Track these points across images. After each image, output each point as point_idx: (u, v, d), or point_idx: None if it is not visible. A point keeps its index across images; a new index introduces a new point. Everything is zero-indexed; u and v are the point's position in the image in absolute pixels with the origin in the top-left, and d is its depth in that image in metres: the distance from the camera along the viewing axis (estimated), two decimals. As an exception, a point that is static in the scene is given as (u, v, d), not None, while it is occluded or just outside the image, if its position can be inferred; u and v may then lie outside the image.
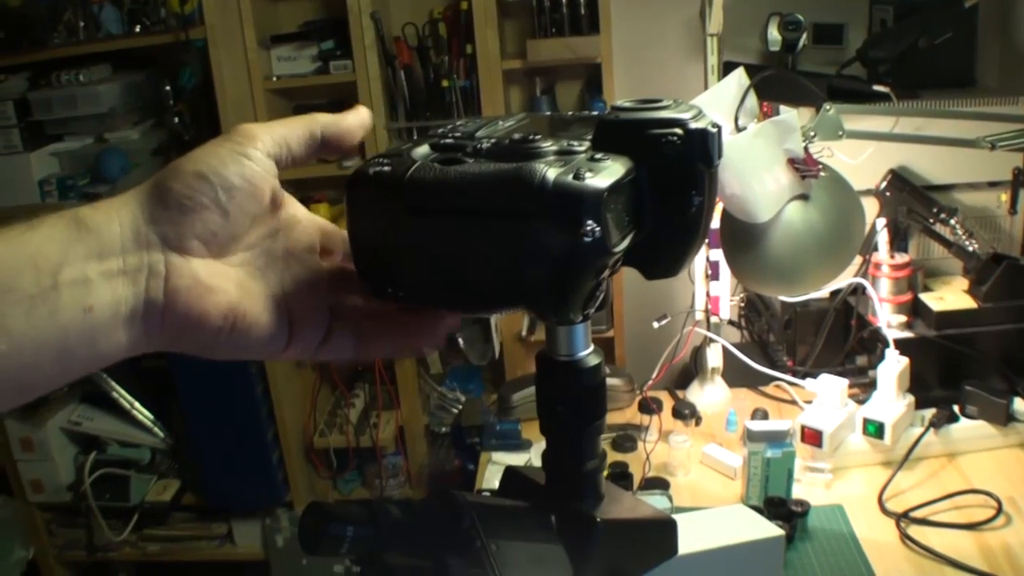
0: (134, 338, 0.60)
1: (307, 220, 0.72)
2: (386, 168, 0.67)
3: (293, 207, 0.71)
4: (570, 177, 0.61)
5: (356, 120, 0.74)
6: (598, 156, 0.65)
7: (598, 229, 0.61)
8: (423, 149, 0.71)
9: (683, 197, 0.68)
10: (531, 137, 0.68)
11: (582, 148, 0.67)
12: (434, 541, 0.72)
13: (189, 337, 0.62)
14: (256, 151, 0.64)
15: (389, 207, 0.67)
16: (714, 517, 1.08)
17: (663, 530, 0.86)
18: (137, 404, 3.13)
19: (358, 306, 0.73)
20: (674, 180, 0.68)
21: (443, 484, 3.28)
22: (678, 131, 0.67)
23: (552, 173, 0.62)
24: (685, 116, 0.68)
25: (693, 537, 0.92)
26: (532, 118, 0.80)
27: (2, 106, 2.87)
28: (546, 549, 0.77)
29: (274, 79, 2.95)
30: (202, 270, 0.61)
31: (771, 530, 1.05)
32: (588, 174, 0.62)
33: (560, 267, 0.62)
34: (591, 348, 0.78)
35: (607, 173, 0.63)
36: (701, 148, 0.67)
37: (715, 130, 0.68)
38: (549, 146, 0.67)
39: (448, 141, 0.72)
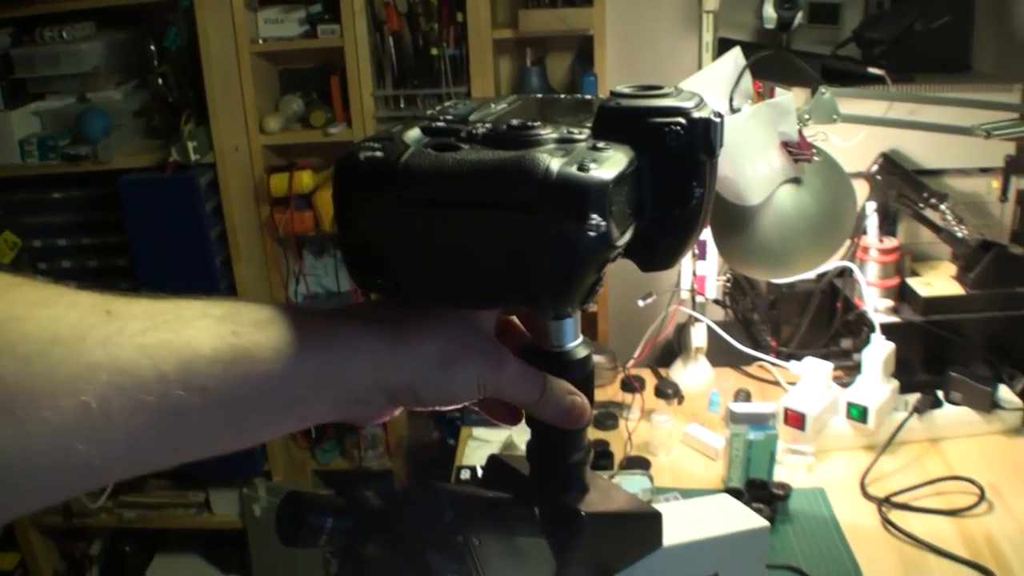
0: None
1: None
2: (377, 153, 0.65)
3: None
4: (574, 168, 0.59)
5: None
6: (600, 145, 0.63)
7: (603, 223, 0.59)
8: (414, 133, 0.68)
9: (684, 188, 0.66)
10: (529, 123, 0.65)
11: (582, 136, 0.65)
12: (415, 535, 0.71)
13: None
14: None
15: (381, 195, 0.64)
16: (698, 507, 1.06)
17: (648, 523, 0.85)
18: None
19: None
20: (675, 171, 0.66)
21: (422, 457, 3.26)
22: (681, 120, 0.65)
23: (556, 164, 0.59)
24: (688, 105, 0.66)
25: (677, 528, 0.90)
26: (524, 100, 0.78)
27: (-16, 63, 2.83)
28: (529, 543, 0.76)
29: (260, 42, 2.91)
30: None
31: (756, 521, 1.03)
32: (592, 165, 0.59)
33: (563, 261, 0.60)
34: (580, 339, 0.76)
35: (611, 164, 0.61)
36: (704, 138, 0.65)
37: (718, 120, 0.66)
38: (548, 133, 0.65)
39: (440, 124, 0.69)
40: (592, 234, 0.58)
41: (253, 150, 2.94)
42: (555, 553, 0.75)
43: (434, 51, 2.86)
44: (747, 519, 1.04)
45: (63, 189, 2.98)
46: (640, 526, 0.84)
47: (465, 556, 0.69)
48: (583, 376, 0.76)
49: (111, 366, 0.52)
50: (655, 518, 0.85)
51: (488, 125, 0.67)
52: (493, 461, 0.85)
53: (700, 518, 1.02)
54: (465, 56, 2.84)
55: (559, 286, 0.61)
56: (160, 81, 2.88)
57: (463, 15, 2.79)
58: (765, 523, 1.03)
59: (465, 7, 2.76)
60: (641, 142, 0.65)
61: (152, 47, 2.87)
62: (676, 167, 0.66)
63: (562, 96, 0.79)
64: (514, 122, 0.66)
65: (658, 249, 0.69)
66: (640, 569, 0.85)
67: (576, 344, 0.76)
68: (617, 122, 0.66)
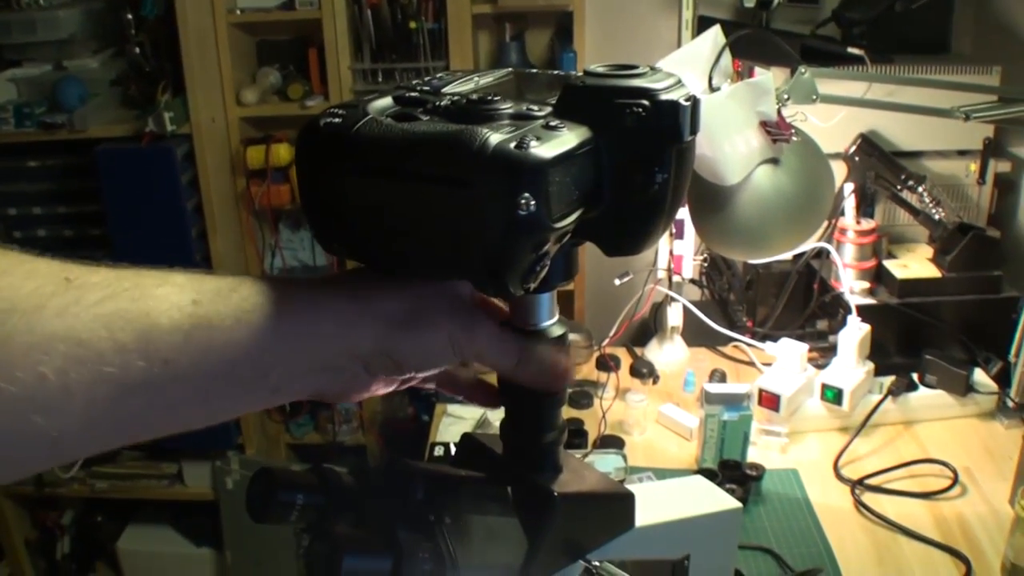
0: None
1: None
2: (336, 120, 0.64)
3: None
4: (512, 145, 0.58)
5: None
6: (554, 123, 0.62)
7: (534, 203, 0.57)
8: (384, 102, 0.68)
9: (646, 173, 0.65)
10: (490, 97, 0.65)
11: (541, 113, 0.64)
12: (386, 513, 0.70)
13: None
14: None
15: (333, 161, 0.64)
16: (672, 488, 1.07)
17: (621, 503, 0.85)
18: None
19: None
20: (637, 154, 0.64)
21: (395, 432, 3.26)
22: (644, 102, 0.63)
23: (495, 139, 0.58)
24: (656, 86, 0.64)
25: (650, 509, 0.90)
26: (514, 74, 0.77)
27: (-41, 29, 2.80)
28: (501, 523, 0.75)
29: (238, 12, 2.89)
30: None
31: (729, 503, 1.03)
32: (534, 143, 0.58)
33: (494, 239, 0.59)
34: (555, 318, 0.75)
35: (555, 143, 0.60)
36: (669, 122, 0.64)
37: (687, 103, 0.64)
38: (506, 108, 0.64)
39: (413, 95, 0.69)
40: (523, 213, 0.57)
41: (230, 122, 2.92)
42: (527, 533, 0.75)
43: (412, 25, 2.84)
44: (720, 501, 1.04)
45: (38, 157, 2.96)
46: (613, 507, 0.84)
47: (436, 534, 0.69)
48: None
49: (68, 336, 0.51)
50: (628, 499, 0.85)
51: (455, 98, 0.66)
52: (467, 439, 0.84)
53: (673, 499, 1.02)
54: (444, 30, 2.82)
55: (493, 264, 0.61)
56: (137, 50, 2.86)
57: (442, -12, 2.78)
58: (738, 505, 1.03)
59: (444, -20, 2.75)
60: (601, 123, 0.64)
61: (129, 16, 2.85)
62: (637, 151, 0.64)
63: (549, 72, 0.78)
64: (474, 96, 0.66)
65: (620, 234, 0.68)
66: (613, 549, 0.85)
67: (552, 322, 0.75)
68: (580, 101, 0.65)
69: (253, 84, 2.96)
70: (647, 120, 0.63)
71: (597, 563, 0.84)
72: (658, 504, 0.95)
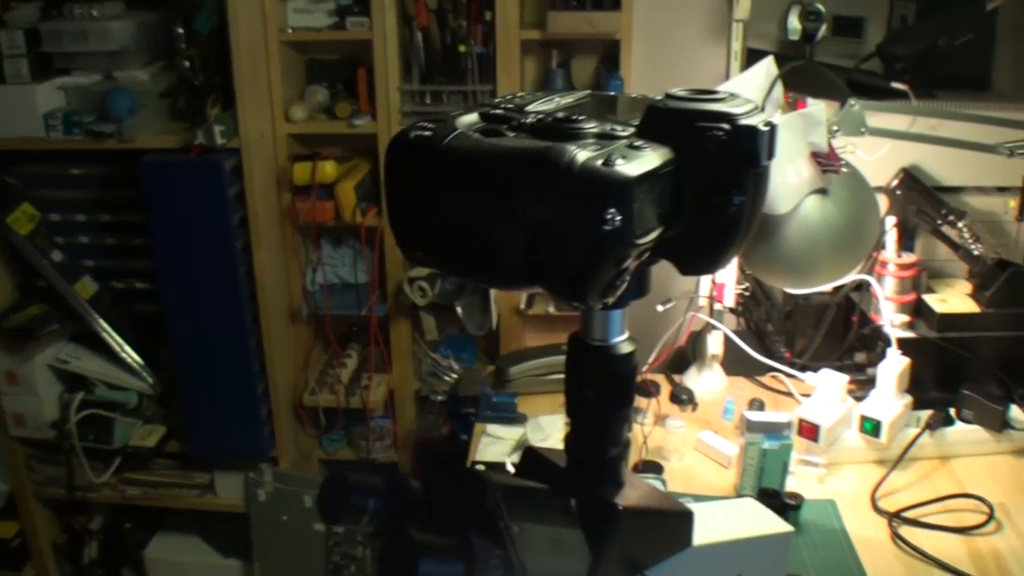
0: None
1: None
2: (426, 133, 0.66)
3: None
4: (599, 162, 0.60)
5: None
6: (637, 143, 0.64)
7: (619, 219, 0.59)
8: (470, 117, 0.70)
9: (724, 195, 0.67)
10: (575, 116, 0.66)
11: (625, 133, 0.66)
12: (456, 519, 0.71)
13: None
14: None
15: (422, 172, 0.66)
16: (726, 509, 1.07)
17: (680, 521, 0.86)
18: (127, 347, 3.11)
19: None
20: (716, 176, 0.66)
21: (429, 450, 3.26)
22: (725, 126, 0.65)
23: (582, 156, 0.60)
24: (736, 111, 0.66)
25: (705, 528, 0.91)
26: (593, 97, 0.79)
27: (12, 35, 2.82)
28: (566, 534, 0.77)
29: (289, 31, 2.92)
30: None
31: (781, 526, 1.04)
32: (620, 161, 0.60)
33: (578, 252, 0.61)
34: (625, 335, 0.77)
35: (640, 162, 0.62)
36: (748, 146, 0.66)
37: (766, 129, 0.66)
38: (591, 127, 0.65)
39: (498, 112, 0.71)
40: (608, 228, 0.59)
41: (277, 138, 2.94)
42: (591, 545, 0.76)
43: (462, 48, 2.86)
44: (772, 523, 1.05)
45: (82, 165, 2.99)
46: (672, 523, 0.85)
47: (506, 542, 0.70)
48: (626, 371, 0.77)
49: None
50: (687, 516, 0.86)
51: (540, 115, 0.68)
52: (529, 452, 0.86)
53: (727, 519, 1.03)
54: (492, 55, 2.84)
55: (574, 277, 0.62)
56: (187, 64, 2.89)
57: (491, 14, 2.79)
58: (790, 528, 1.04)
59: (494, 6, 2.76)
60: (683, 145, 0.65)
61: (181, 30, 2.88)
62: (717, 173, 0.66)
63: (628, 95, 0.80)
64: (560, 114, 0.67)
65: (697, 253, 0.70)
66: (668, 566, 0.86)
67: (621, 339, 0.76)
68: (662, 123, 0.67)
69: (301, 101, 2.99)
70: (727, 143, 0.65)
71: (653, 579, 0.86)
72: (712, 524, 0.96)
